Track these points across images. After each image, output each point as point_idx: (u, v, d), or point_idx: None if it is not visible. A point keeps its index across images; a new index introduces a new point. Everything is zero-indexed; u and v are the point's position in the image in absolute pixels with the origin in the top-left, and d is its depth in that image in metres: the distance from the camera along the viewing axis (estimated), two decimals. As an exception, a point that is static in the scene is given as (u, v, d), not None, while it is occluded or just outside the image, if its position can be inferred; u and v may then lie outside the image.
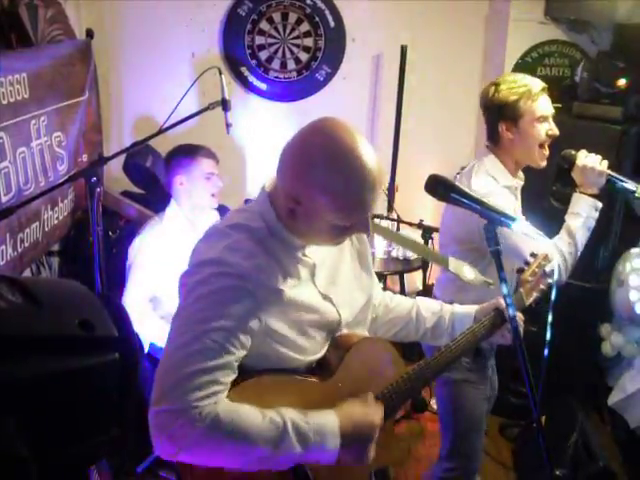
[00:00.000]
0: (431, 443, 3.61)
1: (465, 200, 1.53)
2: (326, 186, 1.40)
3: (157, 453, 1.38)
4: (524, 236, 1.62)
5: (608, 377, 3.75)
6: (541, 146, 2.41)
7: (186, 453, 1.36)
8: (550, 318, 1.54)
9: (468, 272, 2.02)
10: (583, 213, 2.44)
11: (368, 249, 1.81)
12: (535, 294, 2.02)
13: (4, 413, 0.46)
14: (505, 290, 1.53)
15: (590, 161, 2.45)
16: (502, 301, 1.83)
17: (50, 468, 0.50)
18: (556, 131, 2.42)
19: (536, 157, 2.44)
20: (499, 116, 2.41)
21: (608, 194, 2.58)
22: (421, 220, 3.71)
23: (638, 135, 3.41)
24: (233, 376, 1.42)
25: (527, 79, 2.41)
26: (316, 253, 1.60)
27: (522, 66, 4.19)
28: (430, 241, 3.75)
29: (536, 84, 2.39)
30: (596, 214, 2.47)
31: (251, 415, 1.40)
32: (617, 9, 3.51)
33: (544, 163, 2.45)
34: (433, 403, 4.00)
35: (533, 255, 2.05)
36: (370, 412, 1.55)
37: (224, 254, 1.44)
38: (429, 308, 1.94)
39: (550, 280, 2.03)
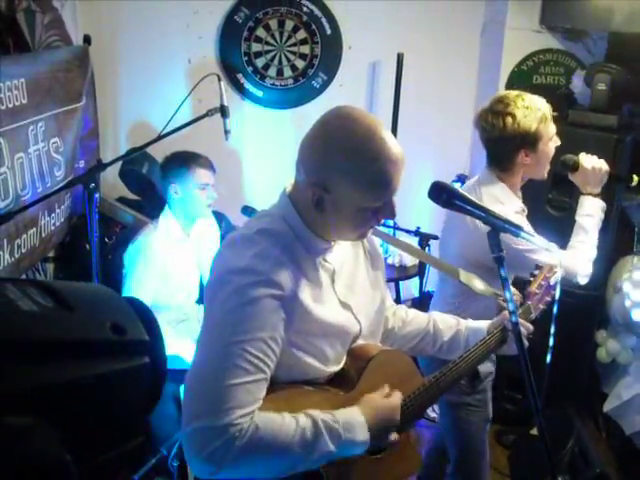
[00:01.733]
0: (426, 449, 3.59)
1: (469, 207, 1.53)
2: (353, 166, 1.42)
3: (195, 473, 1.38)
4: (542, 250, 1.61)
5: (603, 384, 3.76)
6: (550, 163, 2.46)
7: (226, 470, 1.34)
8: (553, 329, 1.55)
9: (478, 283, 2.03)
10: (595, 215, 2.47)
11: (381, 257, 1.82)
12: (542, 306, 2.05)
13: (44, 418, 0.46)
14: (508, 296, 1.53)
15: (595, 161, 2.47)
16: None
17: (83, 476, 0.50)
18: (559, 142, 2.45)
19: (544, 172, 2.47)
20: (520, 146, 2.37)
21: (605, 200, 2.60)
22: (418, 227, 3.71)
23: (633, 143, 3.43)
24: (266, 389, 1.42)
25: (535, 102, 2.37)
26: (335, 259, 1.60)
27: (517, 75, 4.21)
28: (427, 248, 3.76)
29: (545, 105, 2.38)
30: (603, 215, 2.50)
31: (285, 423, 1.40)
32: (612, 18, 3.54)
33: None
34: (429, 411, 4.01)
35: (538, 267, 2.06)
36: (388, 399, 1.57)
37: (255, 262, 1.42)
38: (445, 322, 1.96)
39: (554, 292, 2.05)
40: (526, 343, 1.82)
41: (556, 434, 3.25)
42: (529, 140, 2.36)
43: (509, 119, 2.34)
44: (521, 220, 2.36)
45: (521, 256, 2.27)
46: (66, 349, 0.49)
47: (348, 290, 1.63)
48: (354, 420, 1.48)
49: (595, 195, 2.50)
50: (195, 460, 1.34)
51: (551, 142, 2.42)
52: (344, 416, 1.47)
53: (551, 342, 1.54)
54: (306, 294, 1.49)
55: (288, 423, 1.40)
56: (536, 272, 2.04)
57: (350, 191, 1.44)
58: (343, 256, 1.64)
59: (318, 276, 1.55)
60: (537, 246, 1.56)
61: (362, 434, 1.47)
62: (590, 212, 2.48)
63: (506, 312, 1.88)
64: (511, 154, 2.40)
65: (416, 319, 1.97)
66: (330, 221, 1.51)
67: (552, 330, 1.54)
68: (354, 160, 1.42)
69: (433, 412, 3.92)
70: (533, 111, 2.34)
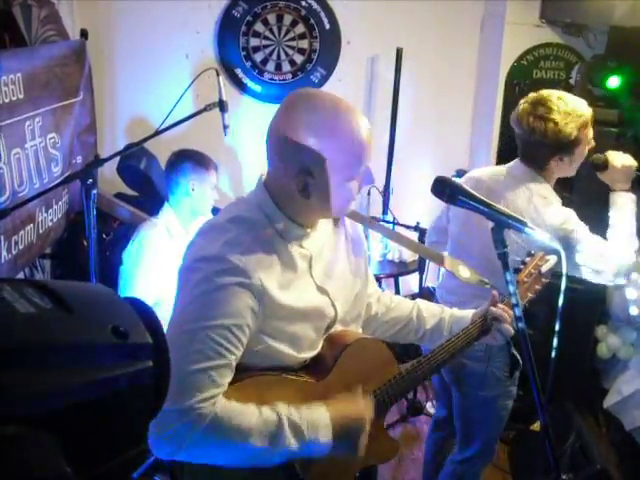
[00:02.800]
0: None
1: (472, 202, 1.51)
2: (332, 141, 1.43)
3: (155, 452, 1.38)
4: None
5: (604, 379, 3.75)
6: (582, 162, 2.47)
7: (185, 452, 1.37)
8: (557, 326, 1.53)
9: (463, 271, 2.01)
10: (629, 211, 2.46)
11: (363, 242, 1.83)
12: (530, 295, 2.02)
13: (40, 427, 0.44)
14: (512, 290, 1.52)
15: (624, 158, 2.47)
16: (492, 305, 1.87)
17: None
18: (593, 143, 2.44)
19: (574, 171, 2.49)
20: (557, 151, 2.35)
21: (604, 199, 2.59)
22: (417, 222, 3.69)
23: (634, 138, 3.41)
24: (231, 376, 1.44)
25: (578, 106, 2.33)
26: (313, 245, 1.60)
27: (517, 69, 4.20)
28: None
29: (587, 109, 2.35)
30: (635, 207, 2.50)
31: (248, 413, 1.42)
32: (613, 12, 3.52)
33: None
34: (429, 407, 4.01)
35: (530, 255, 2.04)
36: (360, 406, 1.56)
37: (224, 250, 1.44)
38: (430, 310, 1.96)
39: (545, 280, 2.03)
40: (511, 331, 1.85)
41: (556, 430, 3.24)
42: (567, 147, 2.34)
43: (550, 125, 2.29)
44: (577, 219, 2.38)
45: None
46: (65, 353, 0.47)
47: (326, 276, 1.63)
48: (320, 420, 1.48)
49: (627, 190, 2.49)
50: (156, 441, 1.36)
51: (589, 145, 2.42)
52: (310, 414, 1.48)
53: (555, 342, 1.53)
54: (277, 281, 1.49)
55: (250, 413, 1.42)
56: (527, 259, 2.02)
57: (334, 166, 1.45)
58: (322, 242, 1.64)
59: (294, 262, 1.55)
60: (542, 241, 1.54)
61: (325, 436, 1.47)
62: (626, 208, 2.46)
63: (493, 302, 1.88)
64: (546, 158, 2.38)
65: (400, 305, 1.97)
66: (316, 204, 1.51)
67: (557, 327, 1.52)
68: (331, 136, 1.43)
69: (432, 408, 3.91)
70: (574, 117, 2.30)
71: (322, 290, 1.61)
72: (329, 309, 1.63)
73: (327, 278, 1.63)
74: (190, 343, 1.39)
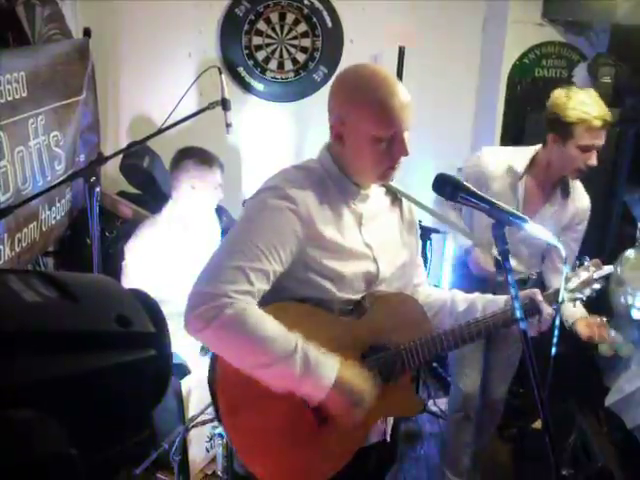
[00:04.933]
0: (430, 444, 3.60)
1: (474, 199, 1.52)
2: (359, 95, 1.62)
3: (185, 327, 1.53)
4: None
5: (605, 377, 3.75)
6: (577, 170, 2.60)
7: (211, 331, 1.50)
8: (557, 321, 1.54)
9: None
10: None
11: (417, 227, 1.97)
12: (579, 295, 2.10)
13: (45, 412, 0.45)
14: (513, 291, 1.51)
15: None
16: (538, 295, 1.92)
17: (88, 470, 0.49)
18: (594, 162, 2.54)
19: (565, 172, 2.66)
20: (553, 126, 2.56)
21: (605, 198, 2.60)
22: (419, 221, 3.70)
23: (635, 136, 3.42)
24: (266, 286, 1.59)
25: (594, 106, 2.48)
26: (366, 208, 1.76)
27: (520, 67, 4.20)
28: (428, 242, 3.75)
29: (598, 115, 2.47)
30: None
31: (273, 325, 1.55)
32: (615, 10, 3.53)
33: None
34: (431, 404, 4.01)
35: (582, 264, 2.09)
36: (367, 386, 1.64)
37: (281, 182, 1.65)
38: (464, 296, 2.04)
39: (598, 285, 2.10)
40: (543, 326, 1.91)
41: (558, 428, 3.24)
42: (561, 127, 2.52)
43: (564, 98, 2.52)
44: None
45: None
46: (70, 341, 0.48)
47: (375, 236, 1.77)
48: (329, 364, 1.58)
49: None
50: (189, 315, 1.51)
51: (581, 151, 2.52)
52: (323, 355, 1.58)
53: (555, 339, 1.53)
54: (323, 218, 1.66)
55: (274, 326, 1.55)
56: (587, 263, 2.09)
57: (359, 118, 1.62)
58: (378, 210, 1.81)
59: (344, 215, 1.71)
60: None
61: (328, 377, 1.56)
62: None
63: (530, 292, 1.94)
64: (546, 129, 2.60)
65: (435, 292, 2.07)
66: (351, 155, 1.69)
67: (557, 322, 1.52)
68: (359, 90, 1.63)
69: (434, 406, 3.92)
70: (583, 109, 2.47)
71: (367, 245, 1.74)
72: (371, 263, 1.75)
73: (374, 239, 1.76)
74: (234, 245, 1.59)
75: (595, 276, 2.07)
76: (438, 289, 2.11)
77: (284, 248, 1.60)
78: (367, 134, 1.63)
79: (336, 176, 1.72)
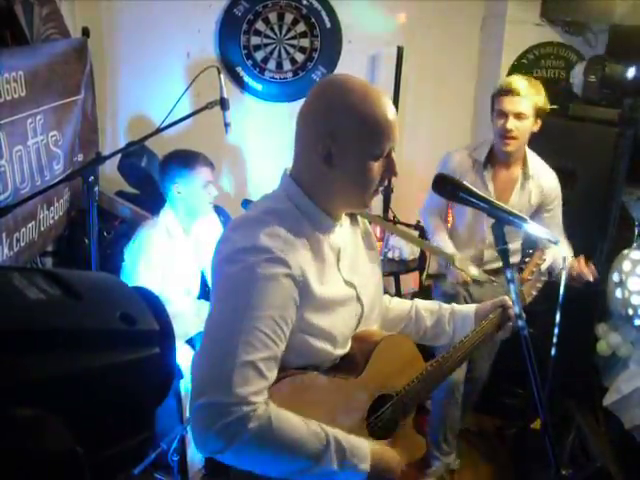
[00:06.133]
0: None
1: (473, 199, 1.52)
2: (355, 111, 1.46)
3: (199, 448, 1.35)
4: None
5: (603, 378, 3.75)
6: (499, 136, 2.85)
7: (232, 452, 1.32)
8: (558, 318, 1.54)
9: (473, 269, 2.03)
10: None
11: (373, 235, 1.82)
12: (534, 292, 2.04)
13: (50, 411, 0.44)
14: (512, 289, 1.52)
15: None
16: (508, 299, 1.85)
17: (90, 469, 0.49)
18: (505, 125, 2.79)
19: (498, 146, 2.91)
20: (492, 102, 2.89)
21: (603, 198, 2.61)
22: (418, 221, 3.70)
23: (634, 137, 3.41)
24: (276, 370, 1.40)
25: (510, 81, 2.82)
26: (339, 239, 1.60)
27: (518, 68, 4.20)
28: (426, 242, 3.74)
29: (507, 83, 2.80)
30: None
31: (298, 425, 1.39)
32: (613, 11, 3.53)
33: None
34: (428, 404, 4.00)
35: (528, 255, 2.06)
36: (397, 457, 1.57)
37: (265, 241, 1.41)
38: (427, 307, 1.95)
39: (544, 278, 2.06)
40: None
41: (556, 428, 3.25)
42: (492, 104, 2.88)
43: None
44: None
45: None
46: (74, 339, 0.48)
47: (351, 270, 1.62)
48: (362, 450, 1.46)
49: None
50: (204, 435, 1.31)
51: (497, 118, 2.83)
52: (354, 441, 1.46)
53: (555, 340, 1.53)
54: (313, 273, 1.48)
55: (299, 426, 1.39)
56: (527, 259, 2.04)
57: (354, 136, 1.46)
58: (345, 237, 1.64)
59: (324, 254, 1.54)
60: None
61: (364, 466, 1.45)
62: None
63: (502, 299, 1.90)
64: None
65: (398, 306, 1.95)
66: (342, 177, 1.51)
67: (557, 319, 1.52)
68: (356, 107, 1.45)
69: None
70: (501, 82, 2.87)
71: (349, 284, 1.60)
72: (356, 304, 1.62)
73: (353, 273, 1.62)
74: (236, 334, 1.35)
75: (542, 268, 2.06)
76: (397, 298, 2.00)
77: (286, 322, 1.42)
78: (362, 153, 1.48)
79: (311, 212, 1.53)
